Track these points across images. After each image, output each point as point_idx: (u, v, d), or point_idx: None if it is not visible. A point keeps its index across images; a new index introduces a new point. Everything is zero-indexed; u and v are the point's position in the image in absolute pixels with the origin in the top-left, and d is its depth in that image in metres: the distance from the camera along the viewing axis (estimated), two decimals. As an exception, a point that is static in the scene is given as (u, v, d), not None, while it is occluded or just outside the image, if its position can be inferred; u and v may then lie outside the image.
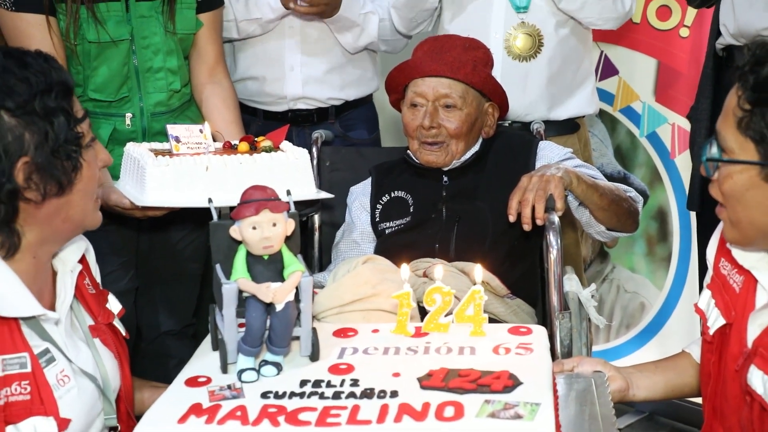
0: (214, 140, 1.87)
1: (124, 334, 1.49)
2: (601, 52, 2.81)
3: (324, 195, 1.84)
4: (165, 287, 2.21)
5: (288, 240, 1.28)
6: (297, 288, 1.26)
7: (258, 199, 1.24)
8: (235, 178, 1.67)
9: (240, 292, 1.24)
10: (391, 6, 2.34)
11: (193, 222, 2.18)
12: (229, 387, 1.24)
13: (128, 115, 2.02)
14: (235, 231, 1.26)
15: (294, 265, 1.26)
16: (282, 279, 1.25)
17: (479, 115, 1.95)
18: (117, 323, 1.49)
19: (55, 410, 1.27)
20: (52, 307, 1.35)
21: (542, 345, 1.36)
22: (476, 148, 1.99)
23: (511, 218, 1.72)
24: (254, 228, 1.23)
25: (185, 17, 2.03)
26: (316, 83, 2.38)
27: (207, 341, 1.40)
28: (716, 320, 1.32)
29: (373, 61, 2.52)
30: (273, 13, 2.31)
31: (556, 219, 1.72)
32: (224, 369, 1.29)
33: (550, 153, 1.97)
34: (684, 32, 2.66)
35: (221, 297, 1.24)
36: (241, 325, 1.28)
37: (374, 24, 2.36)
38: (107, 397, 1.39)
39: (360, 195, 2.06)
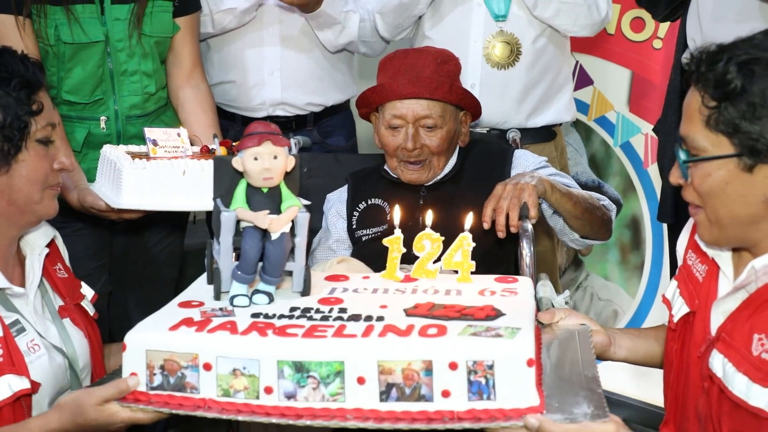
0: (192, 144, 1.88)
1: (92, 314, 1.57)
2: (577, 62, 2.87)
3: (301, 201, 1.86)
4: (139, 292, 2.22)
5: (287, 177, 1.35)
6: (293, 223, 1.33)
7: (261, 131, 1.32)
8: (211, 183, 1.67)
9: (237, 223, 1.31)
10: (376, 11, 2.37)
11: (169, 226, 2.20)
12: (221, 309, 1.31)
13: (103, 118, 2.03)
14: (237, 162, 1.34)
15: (291, 200, 1.34)
16: (280, 213, 1.33)
17: (456, 127, 1.98)
18: (86, 304, 1.57)
19: (27, 373, 1.35)
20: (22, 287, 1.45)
21: (527, 291, 1.44)
22: (454, 160, 2.02)
23: (486, 225, 1.77)
24: (256, 159, 1.31)
25: (161, 20, 2.04)
26: (296, 88, 2.40)
27: (202, 278, 1.47)
28: (680, 309, 1.37)
29: (351, 65, 2.54)
30: (247, 2, 2.30)
31: (529, 227, 1.76)
32: (218, 296, 1.36)
33: (525, 161, 2.01)
34: (657, 44, 2.73)
35: (219, 226, 1.32)
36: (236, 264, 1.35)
37: (354, 22, 2.38)
38: (75, 372, 1.46)
39: (336, 202, 2.08)
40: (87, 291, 1.60)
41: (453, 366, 1.15)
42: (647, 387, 2.68)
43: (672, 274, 2.36)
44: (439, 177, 1.99)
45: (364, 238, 1.99)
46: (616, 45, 2.80)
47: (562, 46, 2.40)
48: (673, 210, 2.18)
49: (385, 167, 2.03)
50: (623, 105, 2.82)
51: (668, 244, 2.46)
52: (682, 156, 1.26)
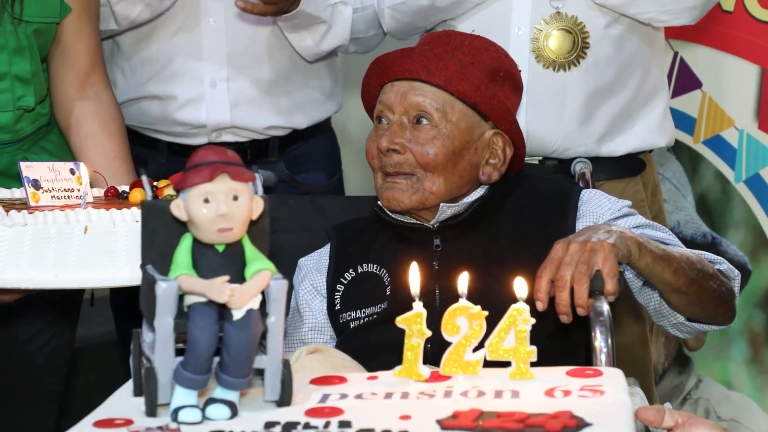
0: (92, 186, 1.96)
1: None
2: (675, 54, 2.96)
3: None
4: (6, 411, 2.26)
5: (252, 229, 1.40)
6: (264, 296, 1.37)
7: (214, 160, 1.37)
8: (126, 244, 1.74)
9: (181, 299, 1.35)
10: (386, 6, 2.46)
11: (52, 311, 2.25)
12: (160, 428, 1.33)
13: (-47, 147, 2.12)
14: (178, 207, 1.37)
15: (260, 262, 1.38)
16: (243, 281, 1.37)
17: (472, 142, 2.04)
18: None
19: None
20: None
21: (619, 388, 1.45)
22: (477, 194, 2.08)
23: (540, 306, 1.82)
24: (207, 201, 1.35)
25: (43, -1, 2.13)
26: (251, 105, 2.51)
27: (125, 388, 1.50)
28: None
29: (333, 70, 2.66)
30: None
31: (605, 308, 1.82)
32: (152, 411, 1.38)
33: (598, 207, 2.09)
34: (800, 25, 2.81)
35: (153, 304, 1.34)
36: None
37: (346, 18, 2.49)
38: None
39: (312, 270, 2.15)
40: None
41: None
42: None
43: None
44: (451, 211, 2.03)
45: (353, 324, 2.05)
46: (737, 28, 2.88)
47: (649, 35, 2.47)
48: None
49: (379, 201, 2.10)
50: (749, 119, 2.91)
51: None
52: None
